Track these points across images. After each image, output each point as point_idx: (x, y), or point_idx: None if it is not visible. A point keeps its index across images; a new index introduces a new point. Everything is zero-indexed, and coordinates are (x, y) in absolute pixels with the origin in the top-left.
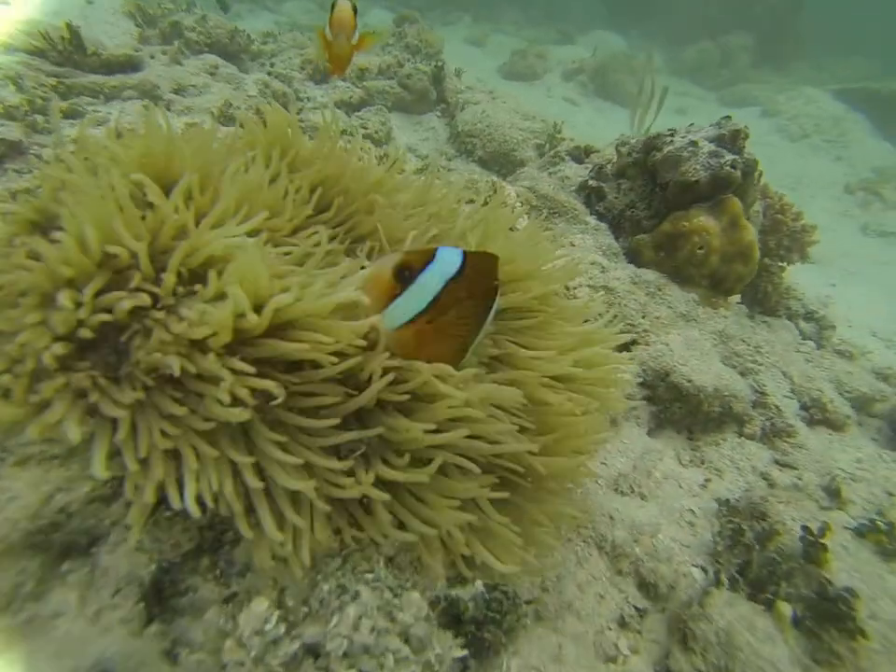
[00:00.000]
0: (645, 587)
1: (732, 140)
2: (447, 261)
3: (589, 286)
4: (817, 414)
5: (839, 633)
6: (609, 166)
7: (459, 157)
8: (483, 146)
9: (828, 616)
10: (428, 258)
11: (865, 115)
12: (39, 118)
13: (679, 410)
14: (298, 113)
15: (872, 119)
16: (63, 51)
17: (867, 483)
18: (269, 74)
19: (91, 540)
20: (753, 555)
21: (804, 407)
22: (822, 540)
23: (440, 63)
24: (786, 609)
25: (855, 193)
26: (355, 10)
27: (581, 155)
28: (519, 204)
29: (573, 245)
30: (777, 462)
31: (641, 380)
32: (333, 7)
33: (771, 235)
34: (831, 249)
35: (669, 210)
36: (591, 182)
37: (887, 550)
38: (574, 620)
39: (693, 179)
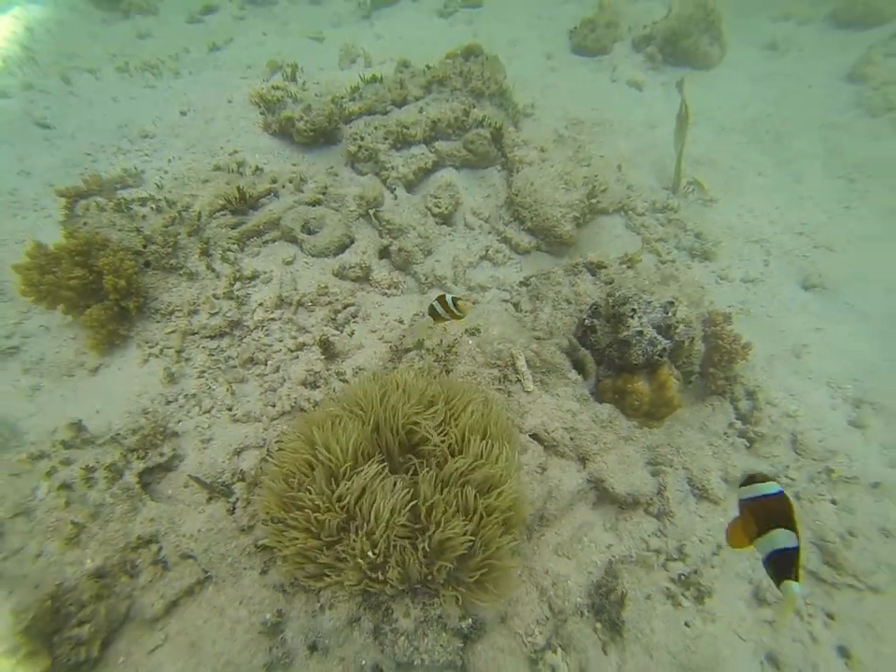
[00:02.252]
0: (552, 609)
1: (667, 330)
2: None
3: (562, 427)
4: (703, 494)
5: (607, 628)
6: (603, 306)
7: (513, 223)
8: (531, 218)
9: (607, 618)
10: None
11: None
12: (238, 286)
13: (610, 499)
14: (385, 180)
15: None
16: (236, 204)
17: (706, 544)
18: (359, 147)
19: None
20: (600, 600)
21: (695, 487)
22: (623, 599)
23: (498, 125)
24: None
25: None
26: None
27: (595, 268)
28: (530, 373)
29: (558, 395)
30: (658, 531)
31: (590, 480)
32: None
33: (714, 352)
34: (848, 270)
35: (625, 366)
36: (587, 321)
37: (676, 597)
38: (518, 619)
39: (635, 363)
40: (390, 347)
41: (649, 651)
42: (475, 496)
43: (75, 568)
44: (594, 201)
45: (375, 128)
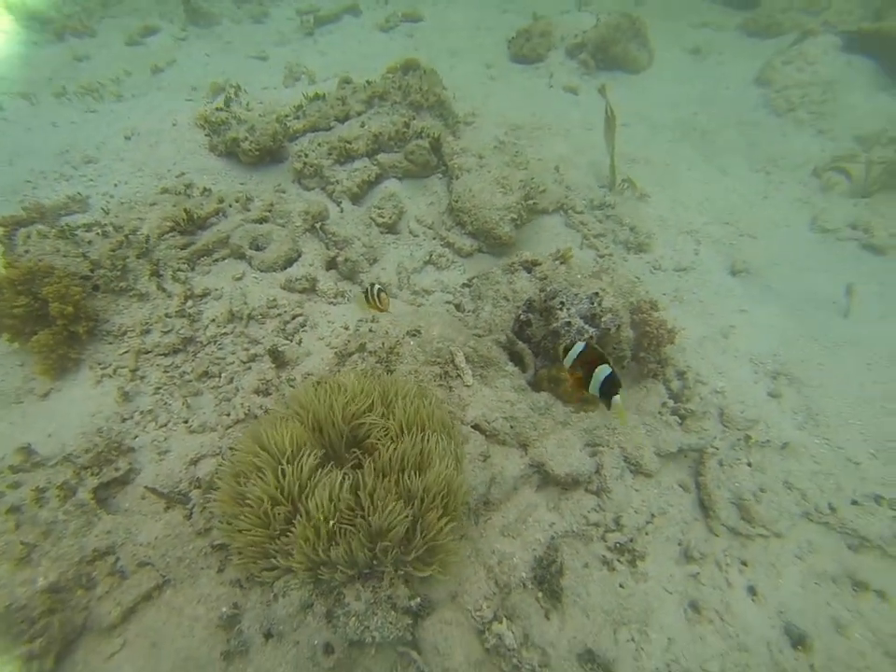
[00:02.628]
0: (498, 585)
1: (593, 318)
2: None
3: (502, 417)
4: (637, 469)
5: (548, 596)
6: (537, 300)
7: (455, 227)
8: (471, 222)
9: (548, 588)
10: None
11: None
12: (190, 303)
13: (552, 481)
14: (331, 194)
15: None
16: (184, 226)
17: (641, 514)
18: (304, 164)
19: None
20: (542, 572)
21: (630, 463)
22: (562, 569)
23: (436, 135)
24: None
25: (822, 176)
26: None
27: (530, 266)
28: (468, 368)
29: (496, 387)
30: (597, 507)
31: (532, 464)
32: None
33: (643, 338)
34: (768, 255)
35: (557, 356)
36: (522, 316)
37: (611, 563)
38: (467, 595)
39: None
40: (336, 353)
41: (586, 612)
42: (414, 476)
43: (26, 588)
44: (531, 202)
45: (319, 144)
